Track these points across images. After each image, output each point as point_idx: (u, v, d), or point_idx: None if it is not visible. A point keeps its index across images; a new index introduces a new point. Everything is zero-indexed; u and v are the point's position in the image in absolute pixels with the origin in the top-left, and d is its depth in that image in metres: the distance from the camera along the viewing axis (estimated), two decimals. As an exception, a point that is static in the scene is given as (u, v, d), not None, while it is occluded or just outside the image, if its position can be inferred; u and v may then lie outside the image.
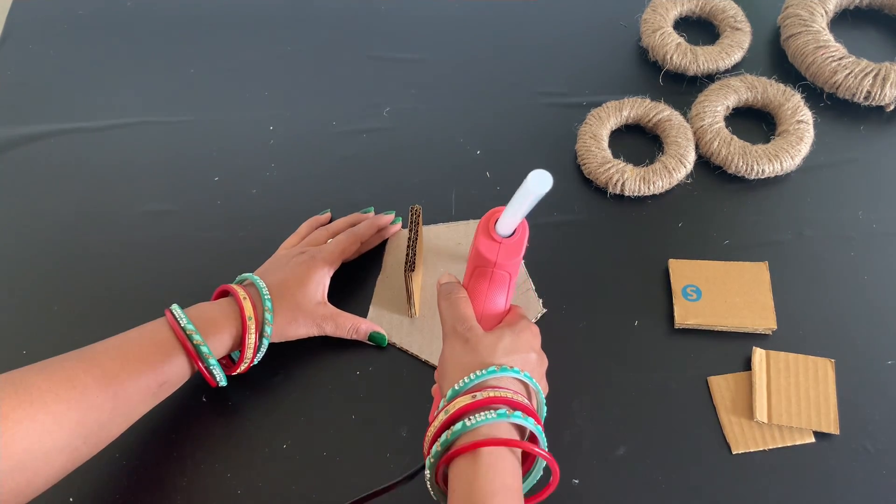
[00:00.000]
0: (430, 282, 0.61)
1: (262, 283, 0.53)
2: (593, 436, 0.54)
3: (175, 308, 0.49)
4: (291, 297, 0.54)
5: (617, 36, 0.76)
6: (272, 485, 0.51)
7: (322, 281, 0.55)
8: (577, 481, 0.52)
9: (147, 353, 0.47)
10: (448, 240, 0.63)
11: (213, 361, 0.49)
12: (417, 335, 0.58)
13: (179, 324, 0.48)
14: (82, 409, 0.43)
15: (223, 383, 0.51)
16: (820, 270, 0.61)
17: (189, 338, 0.48)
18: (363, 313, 0.59)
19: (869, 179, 0.66)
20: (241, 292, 0.51)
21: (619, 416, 0.55)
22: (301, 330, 0.54)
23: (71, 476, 0.53)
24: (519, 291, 0.60)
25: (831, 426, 0.53)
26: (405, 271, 0.53)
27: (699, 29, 0.75)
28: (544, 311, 0.59)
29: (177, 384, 0.49)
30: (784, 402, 0.54)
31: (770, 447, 0.53)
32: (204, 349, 0.48)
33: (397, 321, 0.59)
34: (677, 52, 0.71)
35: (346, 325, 0.56)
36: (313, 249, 0.57)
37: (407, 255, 0.53)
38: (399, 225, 0.63)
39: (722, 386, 0.55)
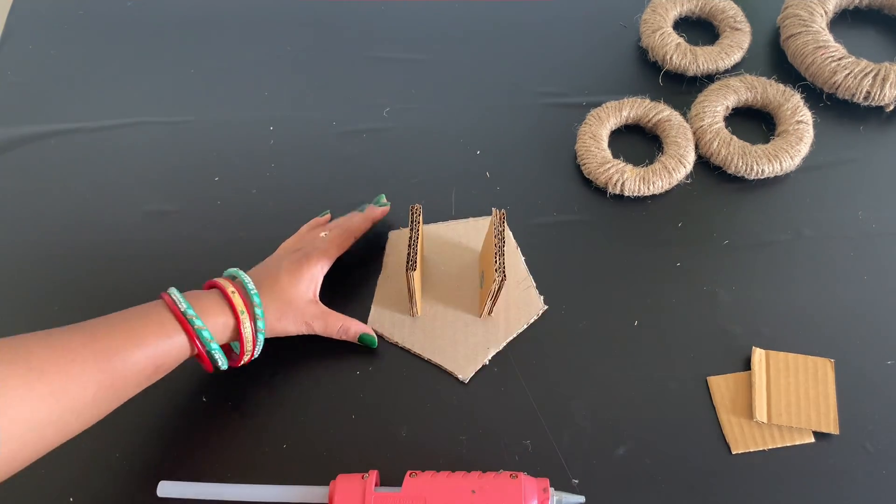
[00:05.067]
0: (432, 280, 0.61)
1: (247, 279, 0.52)
2: (593, 436, 0.54)
3: (173, 292, 0.49)
4: (281, 291, 0.53)
5: (617, 36, 0.76)
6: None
7: (314, 278, 0.55)
8: (576, 481, 0.52)
9: (147, 333, 0.46)
10: (448, 239, 0.63)
11: (214, 346, 0.48)
12: (419, 334, 0.58)
13: (179, 308, 0.47)
14: (79, 384, 0.42)
15: (224, 367, 0.51)
16: (819, 270, 0.61)
17: (190, 322, 0.47)
18: (365, 312, 0.59)
19: (868, 179, 0.66)
20: (228, 287, 0.51)
21: (619, 416, 0.55)
22: (290, 327, 0.54)
23: (71, 476, 0.53)
24: (520, 288, 0.60)
25: (831, 426, 0.53)
26: (406, 270, 0.53)
27: (699, 29, 0.76)
28: (545, 307, 0.59)
29: (171, 367, 0.48)
30: (784, 402, 0.54)
31: (770, 447, 0.53)
32: (205, 333, 0.48)
33: (399, 320, 0.59)
34: (677, 52, 0.71)
35: (336, 325, 0.56)
36: (307, 247, 0.57)
37: (408, 254, 0.53)
38: (388, 208, 0.63)
39: (722, 386, 0.55)
